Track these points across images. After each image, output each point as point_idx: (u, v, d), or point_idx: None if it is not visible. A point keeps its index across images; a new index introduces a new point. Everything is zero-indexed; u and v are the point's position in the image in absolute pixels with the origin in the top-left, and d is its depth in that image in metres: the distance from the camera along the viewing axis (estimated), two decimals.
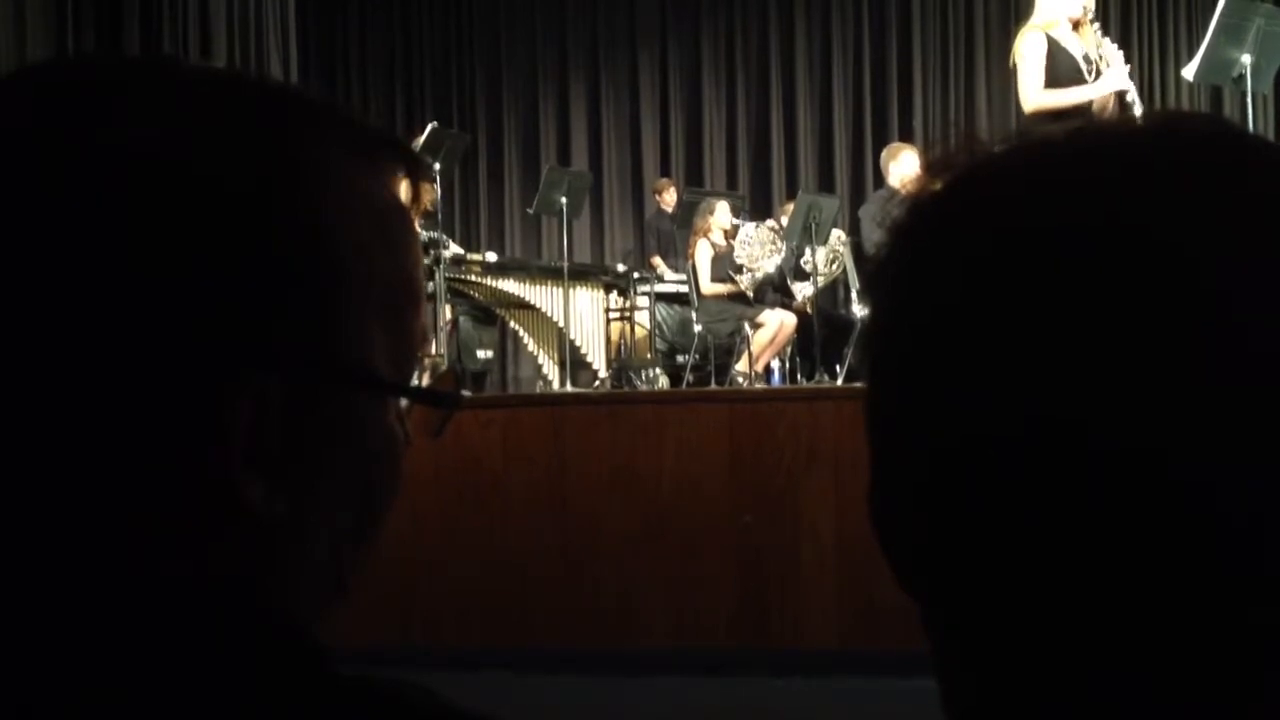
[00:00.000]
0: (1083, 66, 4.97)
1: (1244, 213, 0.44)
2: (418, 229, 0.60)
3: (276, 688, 0.50)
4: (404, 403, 0.58)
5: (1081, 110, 4.88)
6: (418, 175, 0.59)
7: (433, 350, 6.63)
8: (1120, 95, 4.98)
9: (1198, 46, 5.22)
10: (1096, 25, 5.07)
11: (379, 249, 0.56)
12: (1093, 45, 5.03)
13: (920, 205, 0.49)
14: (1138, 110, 4.95)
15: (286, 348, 0.52)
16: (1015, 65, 5.07)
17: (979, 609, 0.46)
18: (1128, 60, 5.14)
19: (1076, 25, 5.02)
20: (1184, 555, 0.43)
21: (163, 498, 0.51)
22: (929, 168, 0.50)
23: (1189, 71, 5.22)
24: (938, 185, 0.49)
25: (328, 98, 0.60)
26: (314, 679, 0.51)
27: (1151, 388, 0.42)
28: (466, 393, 6.38)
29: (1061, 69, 4.95)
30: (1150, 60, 10.01)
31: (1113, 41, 5.19)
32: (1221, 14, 5.03)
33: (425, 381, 0.60)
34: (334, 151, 0.56)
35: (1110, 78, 4.95)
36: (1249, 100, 5.03)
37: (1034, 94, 4.94)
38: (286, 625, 0.52)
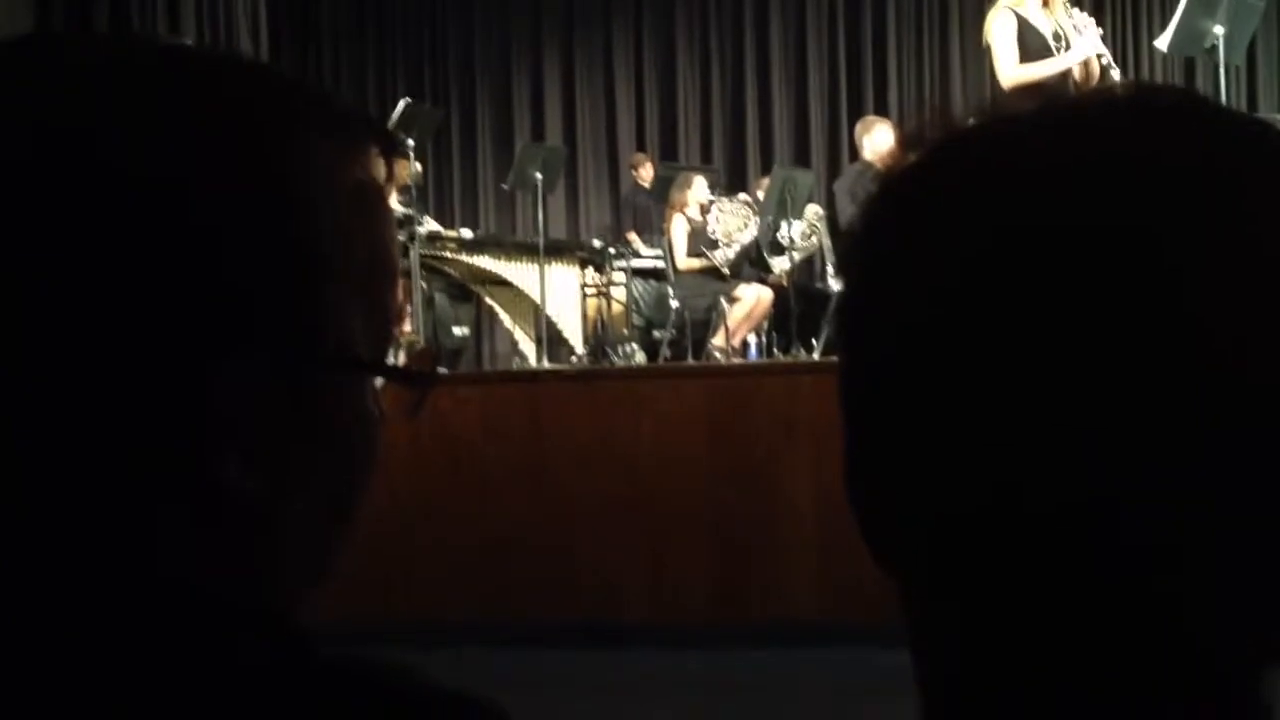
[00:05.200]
0: (1051, 43, 5.01)
1: (1219, 205, 0.44)
2: (392, 206, 0.60)
3: (258, 669, 0.50)
4: (380, 381, 0.58)
5: (1057, 82, 4.92)
6: (391, 152, 0.59)
7: (408, 328, 6.61)
8: (1097, 60, 5.01)
9: (1170, 18, 5.24)
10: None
11: (354, 228, 0.56)
12: (1064, 19, 5.06)
13: (892, 182, 0.49)
14: (1115, 74, 4.98)
15: (265, 329, 0.52)
16: (987, 45, 5.11)
17: (953, 585, 0.46)
18: (1101, 32, 5.16)
19: (1045, 1, 5.06)
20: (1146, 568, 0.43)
21: (142, 480, 0.51)
22: (902, 142, 0.50)
23: (1162, 42, 5.25)
24: (910, 159, 0.49)
25: (299, 76, 0.59)
26: (295, 660, 0.51)
27: (1128, 381, 0.42)
28: (443, 370, 6.37)
29: (1031, 46, 4.99)
30: (1124, 32, 10.02)
31: (1085, 13, 5.22)
32: None
33: (401, 360, 0.60)
34: (308, 130, 0.55)
35: (1082, 45, 4.99)
36: (1221, 71, 5.05)
37: (1009, 69, 4.98)
38: (268, 606, 0.52)
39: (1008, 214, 0.45)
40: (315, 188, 0.54)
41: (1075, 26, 5.04)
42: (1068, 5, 5.11)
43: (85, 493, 0.50)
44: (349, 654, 0.52)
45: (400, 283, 0.61)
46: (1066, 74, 4.97)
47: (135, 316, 0.50)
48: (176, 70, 0.55)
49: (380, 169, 0.58)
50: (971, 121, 0.48)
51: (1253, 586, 0.44)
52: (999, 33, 5.04)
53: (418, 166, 7.01)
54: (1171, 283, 0.43)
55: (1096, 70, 5.03)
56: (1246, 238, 0.44)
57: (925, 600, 0.48)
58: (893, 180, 0.49)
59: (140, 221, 0.50)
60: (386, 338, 0.58)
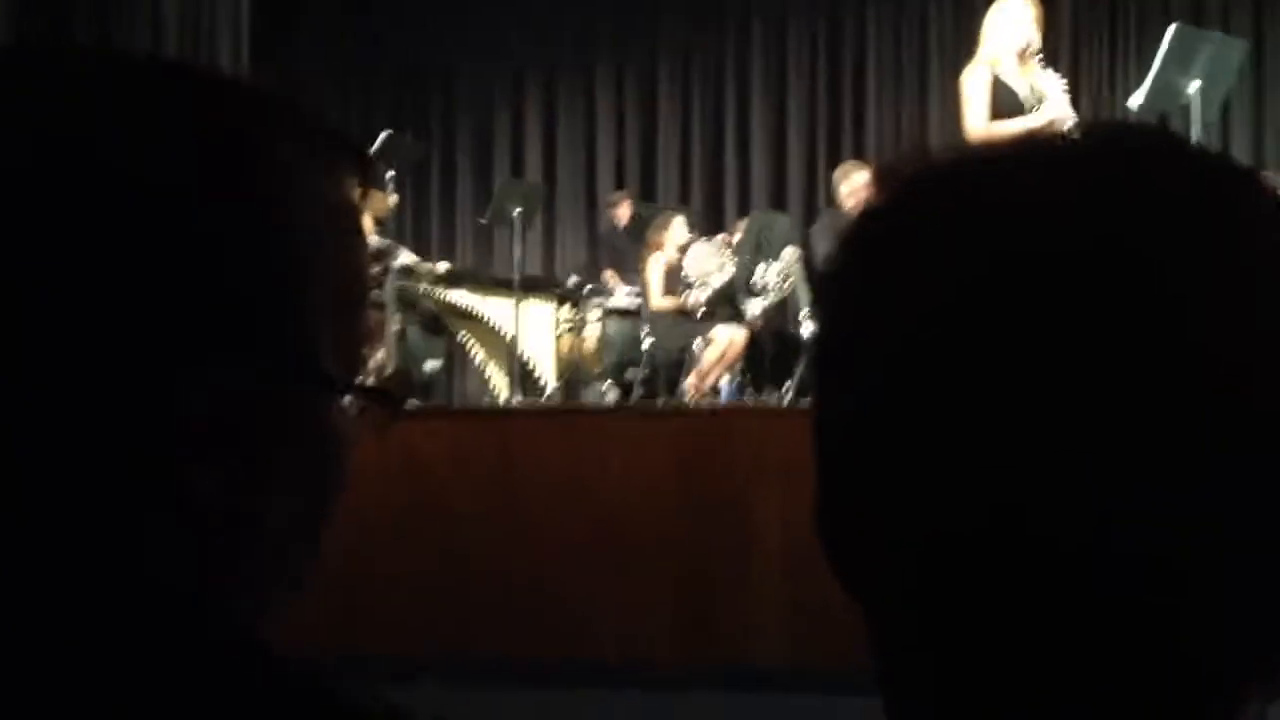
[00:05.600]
0: (1026, 101, 5.06)
1: (1212, 228, 0.44)
2: (366, 228, 0.60)
3: (219, 684, 0.49)
4: (350, 401, 0.58)
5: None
6: (368, 175, 0.59)
7: (379, 358, 6.59)
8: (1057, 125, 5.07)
9: (1144, 79, 5.30)
10: (1040, 58, 5.16)
11: (330, 247, 0.56)
12: (1038, 79, 5.13)
13: (869, 217, 0.49)
14: None
15: (239, 343, 0.52)
16: (962, 98, 5.16)
17: (941, 615, 0.46)
18: (1076, 90, 5.23)
19: (1021, 59, 5.11)
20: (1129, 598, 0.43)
21: (111, 491, 0.51)
22: (877, 180, 0.50)
23: (1134, 101, 5.29)
24: (884, 197, 0.49)
25: (282, 93, 0.59)
26: (257, 674, 0.50)
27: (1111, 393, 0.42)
28: (415, 403, 6.35)
29: (1004, 103, 5.05)
30: (1099, 90, 10.15)
31: (1061, 72, 5.28)
32: (1170, 41, 5.11)
33: (371, 381, 0.60)
34: (288, 148, 0.56)
35: (1050, 108, 5.04)
36: (1195, 128, 5.10)
37: (978, 125, 5.04)
38: (232, 620, 0.52)
39: (1001, 240, 0.44)
40: (295, 203, 0.55)
41: (1047, 88, 5.11)
42: (1041, 64, 5.18)
43: (37, 491, 0.50)
44: (313, 673, 0.51)
45: (370, 309, 0.61)
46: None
47: (111, 322, 0.50)
48: (164, 82, 0.55)
49: (356, 189, 0.58)
50: (947, 158, 0.48)
51: (1254, 611, 0.44)
52: (973, 88, 5.09)
53: (394, 198, 7.01)
54: (1170, 305, 0.43)
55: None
56: (1241, 262, 0.44)
57: (905, 634, 0.48)
58: (870, 217, 0.49)
59: (123, 230, 0.50)
60: (357, 357, 0.58)
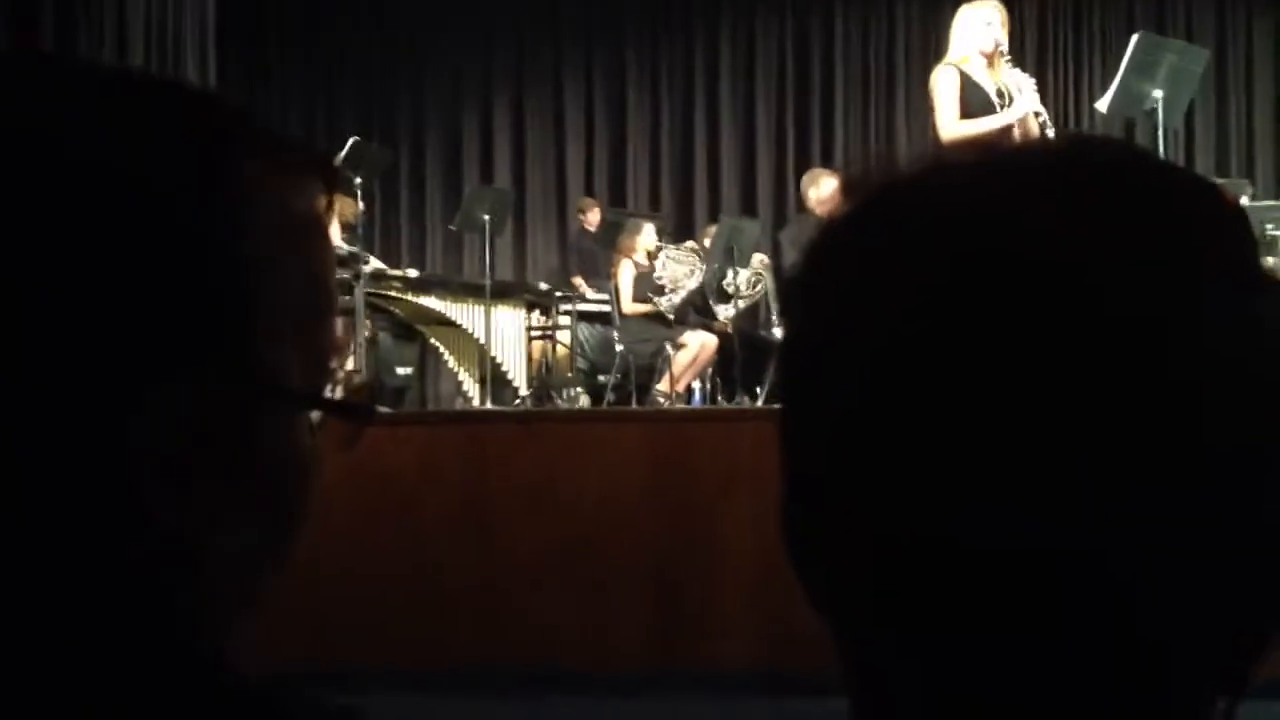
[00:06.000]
0: (995, 100, 5.09)
1: (1160, 248, 0.44)
2: (331, 239, 0.60)
3: (176, 705, 0.49)
4: (316, 415, 0.57)
5: (996, 138, 4.99)
6: (332, 183, 0.59)
7: (350, 366, 6.55)
8: (1035, 118, 5.09)
9: (1111, 81, 5.35)
10: (1008, 58, 5.19)
11: (293, 259, 0.55)
12: (1007, 78, 5.15)
13: (835, 226, 0.49)
14: (1051, 134, 5.07)
15: (198, 359, 0.51)
16: (931, 100, 5.18)
17: (904, 625, 0.46)
18: (1042, 93, 5.26)
19: (990, 61, 5.14)
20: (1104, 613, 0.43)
21: (67, 510, 0.50)
22: (845, 188, 0.50)
23: (1102, 104, 5.35)
24: (849, 205, 0.49)
25: (242, 105, 0.59)
26: (216, 693, 0.50)
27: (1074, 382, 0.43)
28: (385, 409, 6.31)
29: (974, 102, 5.06)
30: (1065, 94, 10.22)
31: (1027, 73, 5.31)
32: (1134, 49, 5.16)
33: (338, 395, 0.59)
34: (249, 160, 0.55)
35: (1020, 103, 5.06)
36: (1160, 133, 5.15)
37: (948, 124, 5.06)
38: (191, 640, 0.51)
39: (960, 248, 0.45)
40: (255, 216, 0.54)
41: (1017, 86, 5.13)
42: (1010, 65, 5.20)
43: (10, 523, 0.49)
44: (277, 690, 0.51)
45: (338, 318, 0.60)
46: (1007, 131, 5.04)
47: (64, 342, 0.49)
48: (125, 91, 0.54)
49: (321, 200, 0.58)
50: (914, 168, 0.49)
51: (1219, 611, 0.44)
52: (942, 88, 5.11)
53: (361, 205, 6.98)
54: (1130, 316, 0.43)
55: (1035, 129, 5.11)
56: (1199, 275, 0.44)
57: (869, 642, 0.48)
58: (837, 224, 0.49)
59: (70, 240, 0.49)
60: (323, 372, 0.57)
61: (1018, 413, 0.43)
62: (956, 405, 0.43)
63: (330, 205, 0.58)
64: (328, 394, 0.58)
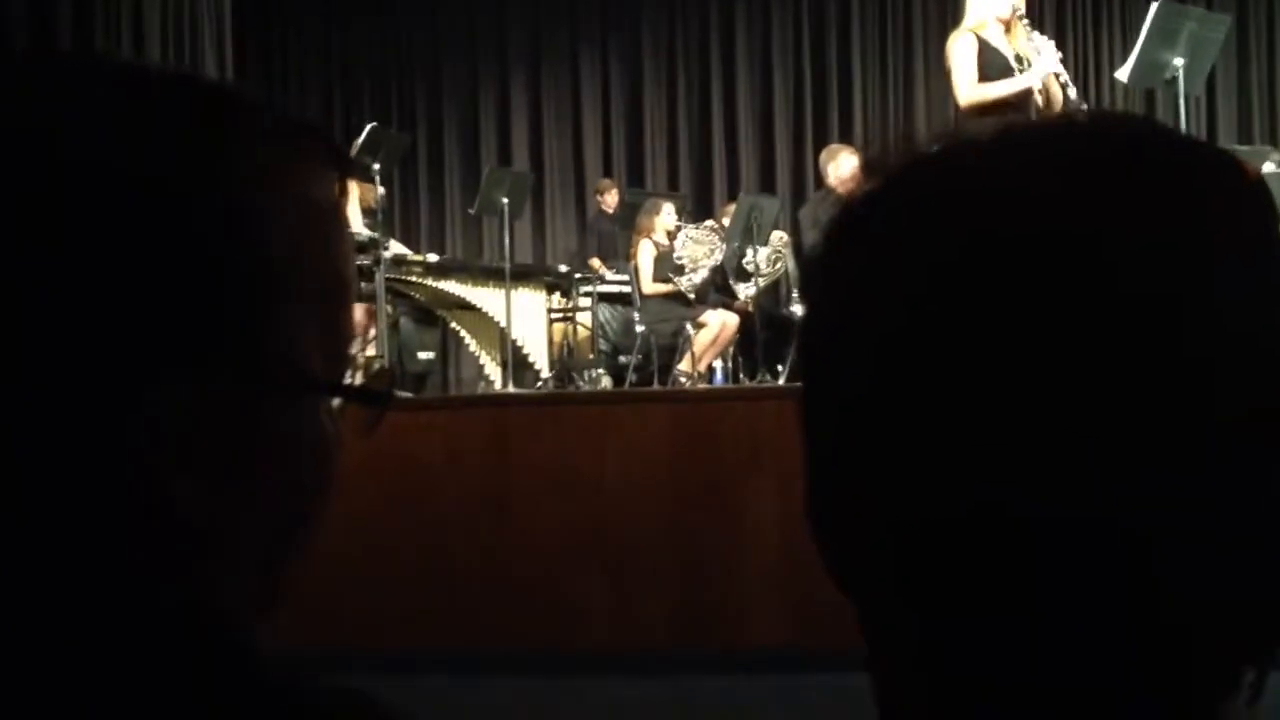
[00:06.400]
0: (1014, 66, 5.05)
1: (1182, 223, 0.44)
2: (347, 223, 0.60)
3: (204, 692, 0.49)
4: (336, 401, 0.58)
5: (1017, 102, 4.96)
6: (346, 169, 0.59)
7: (371, 351, 6.58)
8: (1056, 79, 5.06)
9: (1131, 50, 5.31)
10: (1026, 22, 5.15)
11: (309, 246, 0.55)
12: (1024, 44, 5.11)
13: (855, 205, 0.49)
14: (1072, 93, 5.03)
15: (218, 348, 0.51)
16: (948, 68, 5.15)
17: (923, 602, 0.46)
18: (1061, 55, 5.21)
19: (1007, 27, 5.11)
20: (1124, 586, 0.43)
21: (93, 502, 0.50)
22: (865, 168, 0.50)
23: (1122, 74, 5.30)
24: (872, 184, 0.49)
25: (254, 92, 0.59)
26: (242, 682, 0.50)
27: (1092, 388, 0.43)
28: (407, 395, 6.33)
29: (992, 67, 5.03)
30: (1085, 63, 10.14)
31: (1046, 37, 5.27)
32: (1154, 18, 5.12)
33: (359, 380, 0.59)
34: (262, 148, 0.55)
35: (1040, 64, 5.02)
36: (1181, 102, 5.11)
37: (967, 89, 5.03)
38: (217, 628, 0.52)
39: (979, 227, 0.45)
40: (271, 205, 0.54)
41: (1036, 49, 5.09)
42: (1028, 29, 5.17)
43: (16, 500, 0.49)
44: (300, 677, 0.51)
45: (356, 303, 0.60)
46: (1028, 95, 5.00)
47: (83, 329, 0.49)
48: (135, 85, 0.54)
49: (335, 186, 0.58)
50: (933, 148, 0.49)
51: (1239, 586, 0.44)
52: (959, 54, 5.08)
53: (381, 190, 6.99)
54: (1147, 292, 0.43)
55: (1056, 90, 5.07)
56: (1216, 253, 0.44)
57: (888, 623, 0.48)
58: (856, 204, 0.49)
59: (90, 234, 0.50)
60: (342, 357, 0.57)
61: (1031, 390, 0.43)
62: (970, 383, 0.43)
63: (345, 191, 0.58)
64: (347, 380, 0.58)
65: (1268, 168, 6.07)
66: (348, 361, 0.58)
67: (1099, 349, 0.42)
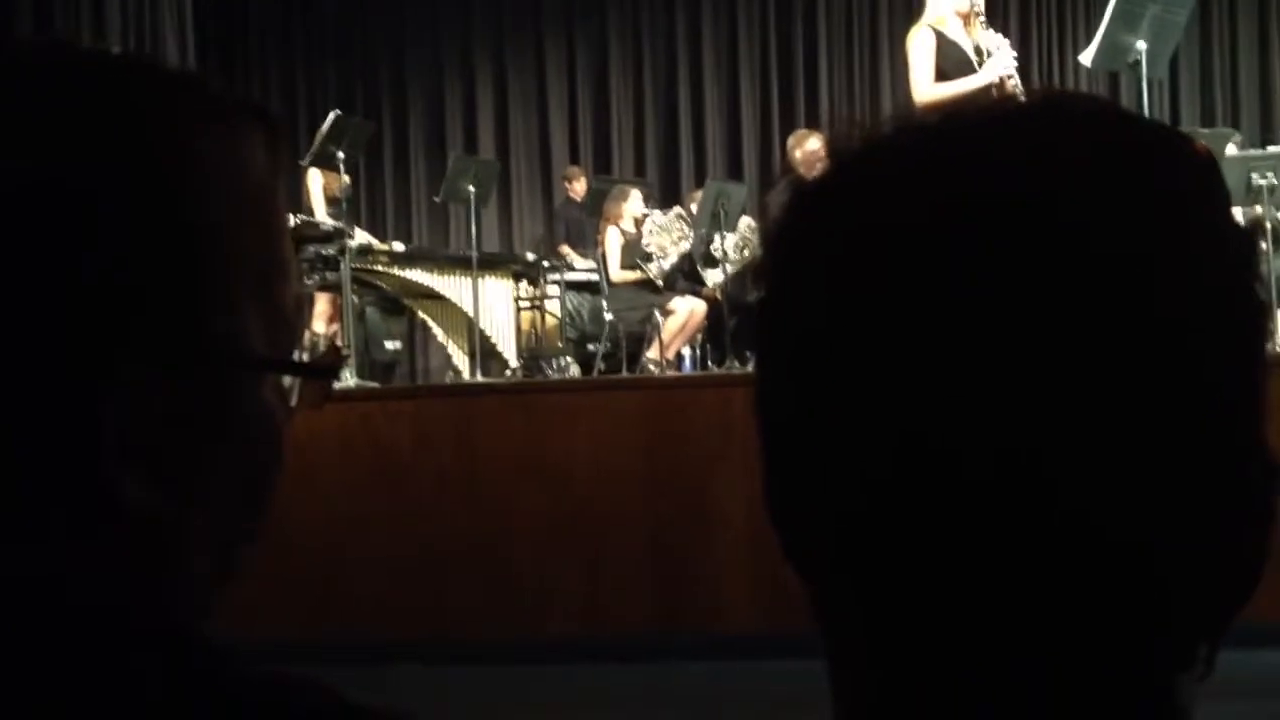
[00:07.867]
0: (973, 59, 5.09)
1: (1133, 190, 0.44)
2: (285, 203, 0.59)
3: (161, 686, 0.49)
4: (287, 380, 0.57)
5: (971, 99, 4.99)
6: (279, 143, 0.58)
7: (339, 342, 6.54)
8: (1008, 80, 5.10)
9: (1094, 34, 5.34)
10: (983, 20, 5.20)
11: (246, 224, 0.54)
12: (982, 37, 5.16)
13: (801, 192, 0.49)
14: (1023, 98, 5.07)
15: (157, 333, 0.51)
16: (907, 64, 5.18)
17: (867, 597, 0.46)
18: (1025, 48, 5.25)
19: (966, 21, 5.14)
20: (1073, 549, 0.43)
21: (36, 497, 0.49)
22: (829, 152, 0.50)
23: (1086, 57, 5.34)
24: (829, 165, 0.49)
25: (185, 69, 0.58)
26: (200, 675, 0.49)
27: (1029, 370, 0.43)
28: (374, 384, 6.31)
29: (950, 62, 5.07)
30: (1049, 47, 10.19)
31: (1012, 32, 5.32)
32: (1117, 2, 5.14)
33: (307, 358, 0.59)
34: (194, 125, 0.54)
35: (993, 65, 5.07)
36: (1144, 85, 5.14)
37: (923, 88, 5.07)
38: (170, 621, 0.51)
39: (945, 191, 0.44)
40: (205, 184, 0.53)
41: (995, 45, 5.14)
42: (984, 26, 5.21)
43: None
44: (259, 670, 0.50)
45: (321, 292, 0.59)
46: (984, 92, 5.04)
47: (16, 321, 0.48)
48: (53, 64, 0.53)
49: (269, 160, 0.57)
50: (887, 128, 0.49)
51: (1210, 558, 0.44)
52: (917, 50, 5.12)
53: (346, 179, 6.95)
54: (1091, 257, 0.43)
55: (1010, 91, 5.12)
56: (1161, 223, 0.44)
57: (836, 604, 0.48)
58: (806, 189, 0.49)
59: (20, 222, 0.49)
60: (286, 333, 0.56)
61: (1001, 355, 0.43)
62: (934, 353, 0.43)
63: (279, 166, 0.57)
64: (296, 357, 0.57)
65: (1230, 150, 6.12)
66: (291, 339, 0.57)
67: (1071, 307, 0.42)
